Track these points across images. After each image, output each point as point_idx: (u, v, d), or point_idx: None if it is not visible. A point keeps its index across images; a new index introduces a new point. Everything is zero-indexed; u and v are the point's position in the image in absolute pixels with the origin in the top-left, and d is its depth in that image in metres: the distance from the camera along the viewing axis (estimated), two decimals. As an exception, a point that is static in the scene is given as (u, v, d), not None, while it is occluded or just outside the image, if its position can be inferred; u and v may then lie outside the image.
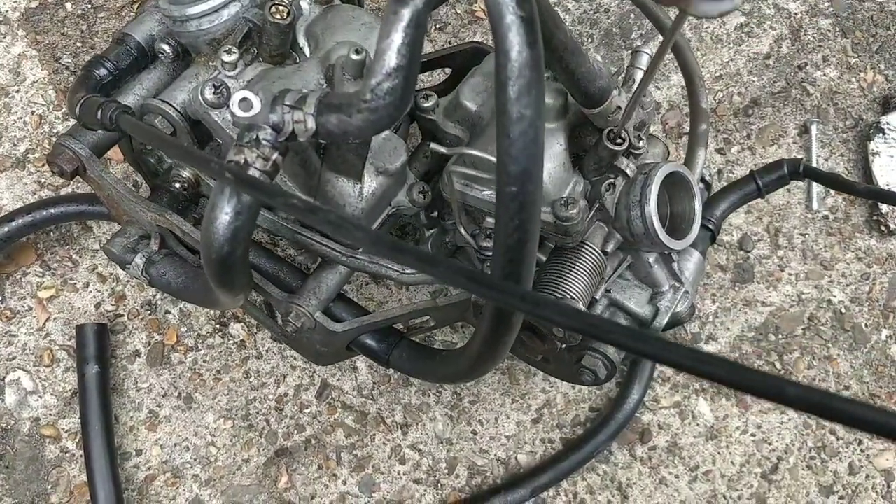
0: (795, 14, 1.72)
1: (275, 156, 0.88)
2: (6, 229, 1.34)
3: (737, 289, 1.60)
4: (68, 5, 1.60)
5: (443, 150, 1.02)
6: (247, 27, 1.07)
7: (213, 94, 0.98)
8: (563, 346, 1.11)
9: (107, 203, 1.19)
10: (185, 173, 1.12)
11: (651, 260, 1.15)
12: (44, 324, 1.45)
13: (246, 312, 1.43)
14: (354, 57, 0.96)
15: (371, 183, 1.08)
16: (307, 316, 1.11)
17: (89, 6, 1.60)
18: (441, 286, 1.46)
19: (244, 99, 0.90)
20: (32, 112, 1.54)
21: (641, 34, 1.69)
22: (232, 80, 1.02)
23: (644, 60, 1.18)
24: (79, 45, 1.58)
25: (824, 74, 1.70)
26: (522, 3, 0.73)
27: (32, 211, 1.35)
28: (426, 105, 1.16)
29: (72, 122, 1.53)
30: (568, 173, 1.08)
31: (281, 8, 1.02)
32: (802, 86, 1.70)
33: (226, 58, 1.02)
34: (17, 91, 1.55)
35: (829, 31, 1.72)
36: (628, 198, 1.07)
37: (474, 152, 1.01)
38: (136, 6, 1.61)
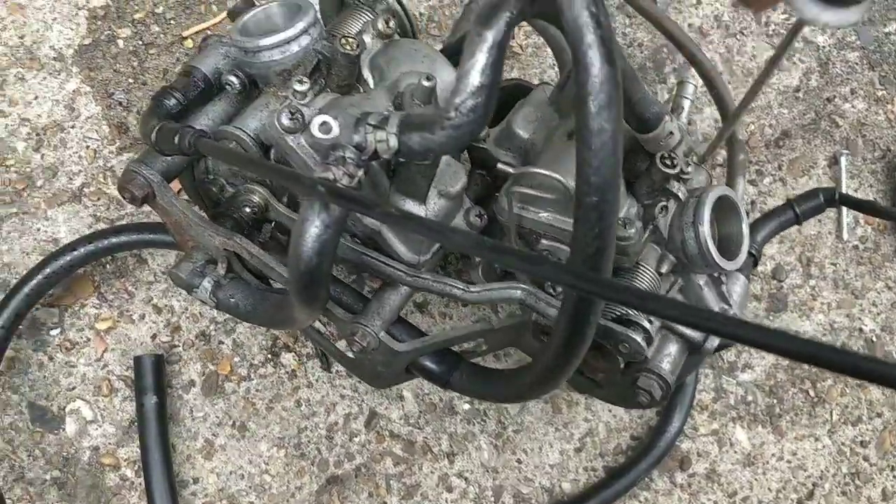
0: (823, 47, 1.78)
1: (359, 173, 0.92)
2: (68, 258, 1.37)
3: (771, 318, 1.63)
4: (120, 42, 1.64)
5: (510, 169, 1.06)
6: (316, 59, 1.12)
7: (290, 119, 1.02)
8: (624, 364, 1.14)
9: (173, 229, 1.22)
10: (255, 198, 1.16)
11: (701, 282, 1.18)
12: (102, 354, 1.47)
13: (306, 336, 1.45)
14: (426, 84, 1.01)
15: (434, 205, 1.11)
16: (372, 336, 1.14)
17: (140, 43, 1.65)
18: (491, 311, 1.49)
19: (324, 122, 0.95)
20: (87, 147, 1.58)
21: (674, 68, 1.75)
22: (305, 108, 1.06)
23: (690, 90, 1.23)
24: (131, 80, 1.62)
25: (852, 106, 1.75)
26: (601, 22, 0.78)
27: (94, 240, 1.38)
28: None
29: (125, 155, 1.58)
30: (623, 197, 1.11)
31: (350, 40, 1.06)
32: (831, 118, 1.75)
33: (297, 87, 1.06)
34: (73, 126, 1.59)
35: (857, 63, 1.77)
36: (681, 220, 1.10)
37: (540, 170, 1.05)
38: (184, 42, 1.66)
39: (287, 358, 1.50)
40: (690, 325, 0.71)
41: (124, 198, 1.16)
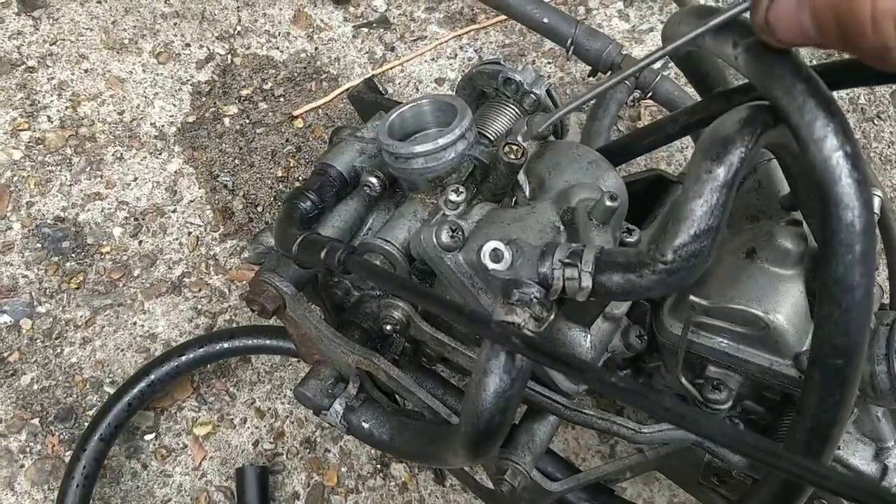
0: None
1: (550, 317, 0.80)
2: (175, 364, 1.25)
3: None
4: (226, 120, 1.54)
5: (705, 303, 0.94)
6: (472, 165, 1.01)
7: (450, 237, 0.91)
8: None
9: (299, 341, 1.11)
10: (397, 314, 1.04)
11: (879, 414, 1.06)
12: (200, 463, 1.36)
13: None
14: (609, 203, 0.89)
15: (598, 330, 1.00)
16: (524, 474, 1.02)
17: (247, 121, 1.55)
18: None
19: (495, 249, 0.84)
20: (189, 233, 1.48)
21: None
22: (463, 223, 0.95)
23: (877, 203, 1.11)
24: (237, 161, 1.52)
25: None
26: (858, 164, 0.67)
27: (205, 344, 1.26)
28: (630, 240, 1.08)
29: (229, 243, 1.48)
30: (808, 323, 0.99)
31: (515, 148, 0.95)
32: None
33: (453, 197, 0.95)
34: (174, 211, 1.49)
35: None
36: (871, 350, 0.98)
37: (739, 306, 0.93)
38: (294, 122, 1.56)
39: (398, 469, 1.37)
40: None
41: (252, 309, 1.05)
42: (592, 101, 1.44)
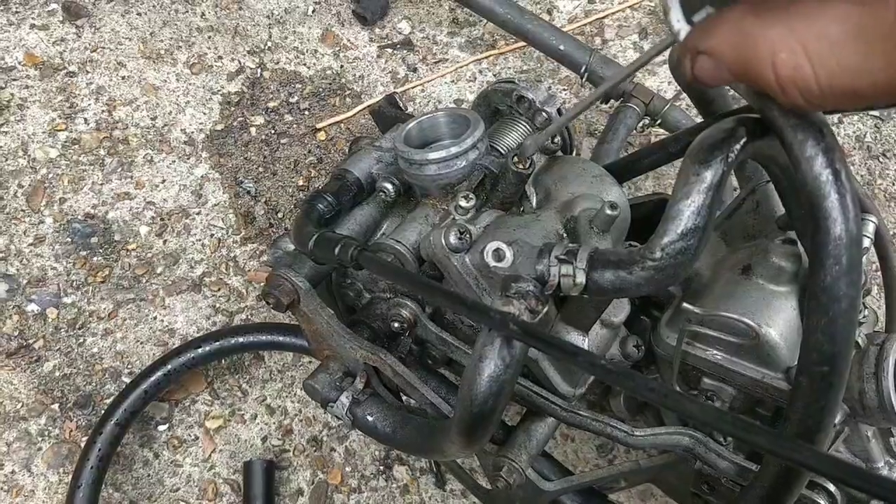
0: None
1: (543, 309, 0.85)
2: (191, 356, 1.30)
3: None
4: (252, 130, 1.61)
5: (698, 310, 0.98)
6: (482, 174, 1.07)
7: (458, 238, 0.96)
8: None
9: (310, 336, 1.16)
10: (405, 313, 1.09)
11: (869, 433, 1.09)
12: (209, 455, 1.41)
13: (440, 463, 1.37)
14: (609, 212, 0.94)
15: (595, 336, 1.04)
16: (519, 472, 1.06)
17: (272, 132, 1.61)
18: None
19: (497, 249, 0.89)
20: (211, 235, 1.54)
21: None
22: (472, 227, 1.00)
23: (870, 228, 1.15)
24: (260, 169, 1.58)
25: None
26: (845, 178, 0.71)
27: (220, 338, 1.32)
28: (633, 258, 1.13)
29: (249, 246, 1.53)
30: (800, 338, 1.03)
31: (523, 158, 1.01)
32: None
33: (463, 203, 1.00)
34: (198, 213, 1.55)
35: None
36: (861, 369, 1.01)
37: (733, 315, 0.97)
38: (317, 134, 1.62)
39: (400, 471, 1.41)
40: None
41: (267, 303, 1.10)
42: (600, 120, 1.49)
